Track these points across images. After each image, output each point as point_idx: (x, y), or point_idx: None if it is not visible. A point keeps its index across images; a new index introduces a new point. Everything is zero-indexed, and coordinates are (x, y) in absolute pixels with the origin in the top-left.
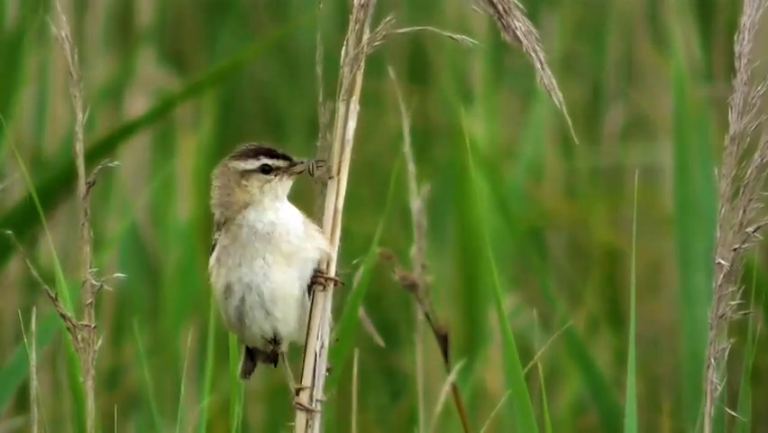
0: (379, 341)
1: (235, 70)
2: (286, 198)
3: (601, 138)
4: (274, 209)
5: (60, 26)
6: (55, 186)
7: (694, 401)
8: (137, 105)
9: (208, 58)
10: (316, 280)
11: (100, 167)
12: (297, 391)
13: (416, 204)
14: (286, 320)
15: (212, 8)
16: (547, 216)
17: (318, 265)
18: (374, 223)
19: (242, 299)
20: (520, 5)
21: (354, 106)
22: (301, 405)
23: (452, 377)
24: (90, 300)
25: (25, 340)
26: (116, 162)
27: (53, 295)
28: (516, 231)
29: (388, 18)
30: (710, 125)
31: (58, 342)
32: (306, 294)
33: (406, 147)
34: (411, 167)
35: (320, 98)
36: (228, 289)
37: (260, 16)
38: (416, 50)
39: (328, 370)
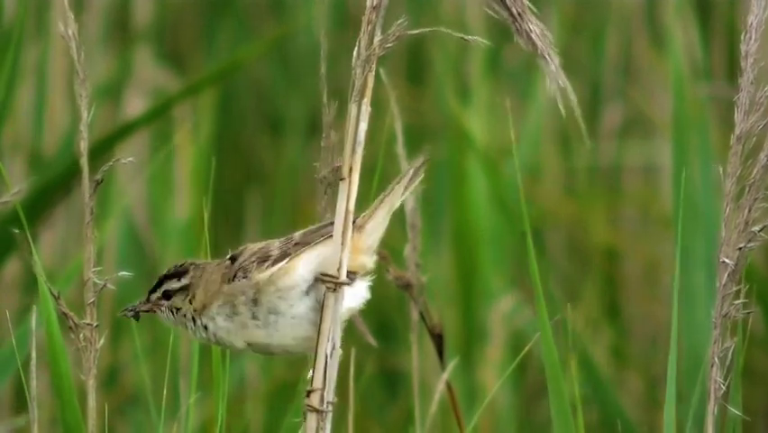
0: (371, 341)
1: (234, 70)
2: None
3: (600, 137)
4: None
5: (68, 24)
6: (54, 185)
7: (692, 400)
8: (135, 104)
9: (206, 57)
10: (326, 283)
11: (110, 164)
12: (308, 393)
13: (410, 203)
14: (305, 350)
15: (210, 7)
16: (545, 216)
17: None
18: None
19: None
20: (533, 9)
21: (366, 108)
22: (312, 406)
23: (446, 375)
24: (93, 299)
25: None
26: (130, 159)
27: (56, 294)
28: (514, 230)
29: (400, 21)
30: (709, 125)
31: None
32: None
33: (400, 147)
34: (404, 166)
35: (324, 98)
36: None
37: (258, 15)
38: (415, 50)
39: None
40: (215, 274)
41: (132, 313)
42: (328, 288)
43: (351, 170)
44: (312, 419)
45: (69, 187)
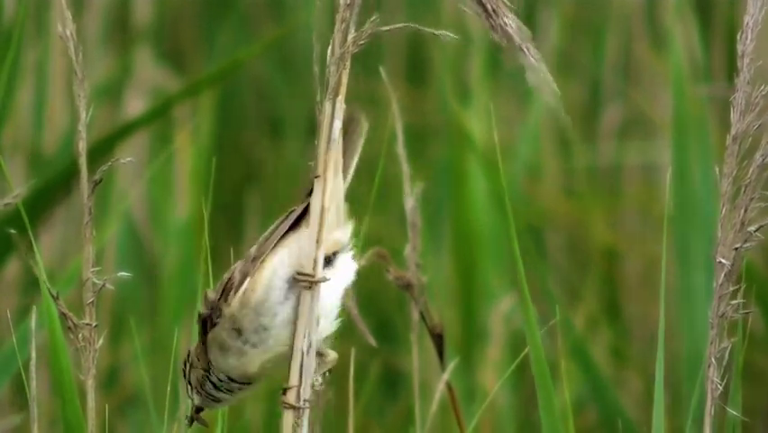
0: (371, 340)
1: (234, 70)
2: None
3: (599, 137)
4: None
5: (66, 24)
6: (53, 185)
7: (692, 400)
8: (135, 104)
9: (207, 57)
10: (301, 282)
11: (109, 164)
12: (285, 391)
13: (410, 203)
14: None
15: (210, 7)
16: (545, 216)
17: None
18: (374, 223)
19: None
20: (509, 4)
21: (340, 105)
22: (288, 404)
23: (446, 376)
24: (92, 299)
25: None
26: (129, 159)
27: (55, 294)
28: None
29: (373, 17)
30: (709, 125)
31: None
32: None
33: (400, 147)
34: (405, 167)
35: (318, 98)
36: None
37: (258, 15)
38: (415, 50)
39: (329, 371)
40: (198, 347)
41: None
42: (303, 286)
43: (325, 167)
44: (288, 416)
45: (69, 187)
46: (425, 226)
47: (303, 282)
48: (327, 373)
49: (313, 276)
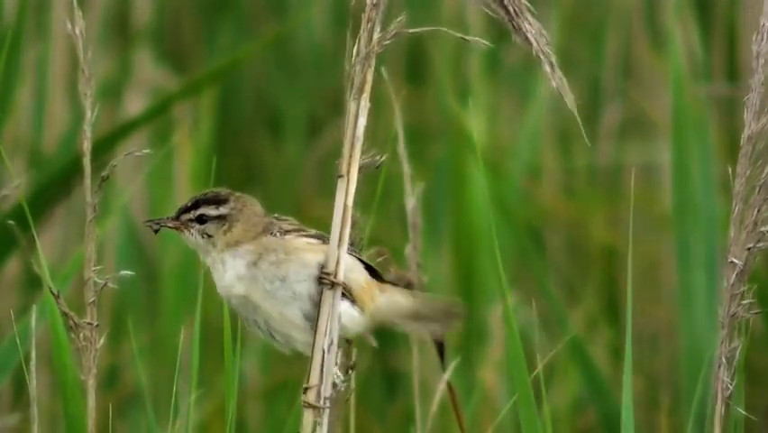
0: (372, 341)
1: (233, 69)
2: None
3: (599, 137)
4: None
5: (75, 22)
6: (54, 184)
7: (691, 400)
8: (135, 104)
9: (207, 57)
10: (323, 281)
11: (120, 158)
12: (305, 390)
13: (411, 203)
14: (288, 341)
15: (210, 7)
16: (545, 215)
17: (326, 266)
18: (375, 222)
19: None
20: (531, 7)
21: (365, 104)
22: (309, 403)
23: (446, 376)
24: (93, 298)
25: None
26: (135, 152)
27: (56, 293)
28: (514, 230)
29: (399, 18)
30: (709, 125)
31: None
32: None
33: (401, 147)
34: (406, 167)
35: (347, 95)
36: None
37: (258, 15)
38: (415, 49)
39: (352, 367)
40: (257, 217)
41: (156, 226)
42: (324, 283)
43: (349, 166)
44: (308, 414)
45: (70, 186)
46: (425, 226)
47: (325, 281)
48: (350, 371)
49: (334, 276)
